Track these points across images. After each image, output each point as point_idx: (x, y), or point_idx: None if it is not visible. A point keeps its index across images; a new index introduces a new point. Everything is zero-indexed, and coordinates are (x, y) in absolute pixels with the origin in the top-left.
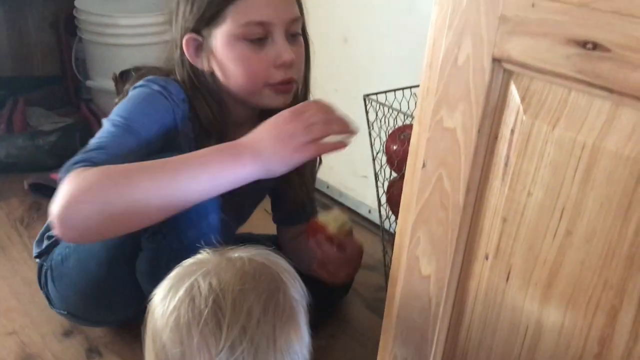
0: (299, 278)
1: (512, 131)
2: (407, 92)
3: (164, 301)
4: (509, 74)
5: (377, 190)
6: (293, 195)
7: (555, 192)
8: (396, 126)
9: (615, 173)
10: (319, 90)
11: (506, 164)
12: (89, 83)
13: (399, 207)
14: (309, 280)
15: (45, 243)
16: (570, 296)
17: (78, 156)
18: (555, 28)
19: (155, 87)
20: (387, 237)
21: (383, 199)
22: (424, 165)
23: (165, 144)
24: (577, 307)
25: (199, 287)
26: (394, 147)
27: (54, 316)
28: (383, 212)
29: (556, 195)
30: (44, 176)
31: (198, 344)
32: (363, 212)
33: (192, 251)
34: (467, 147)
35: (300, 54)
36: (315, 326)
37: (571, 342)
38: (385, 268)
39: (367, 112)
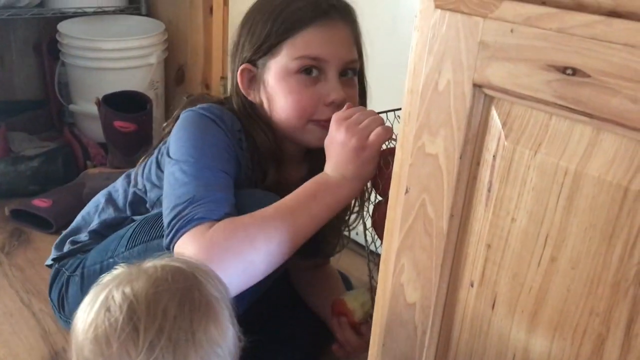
0: (219, 279)
1: (494, 157)
2: (390, 115)
3: (83, 317)
4: (489, 100)
5: (362, 214)
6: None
7: (539, 218)
8: (381, 149)
9: (598, 199)
10: None
11: (489, 190)
12: (72, 107)
13: (384, 230)
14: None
15: (68, 247)
16: (556, 324)
17: (186, 213)
18: (535, 53)
19: (211, 116)
20: (374, 260)
21: (368, 223)
22: (407, 191)
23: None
24: (564, 335)
25: (112, 297)
26: (379, 171)
27: (35, 346)
28: (369, 236)
29: (540, 221)
30: (25, 202)
31: (118, 351)
32: (350, 234)
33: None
34: (450, 173)
35: (353, 97)
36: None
37: None
38: (372, 293)
39: None
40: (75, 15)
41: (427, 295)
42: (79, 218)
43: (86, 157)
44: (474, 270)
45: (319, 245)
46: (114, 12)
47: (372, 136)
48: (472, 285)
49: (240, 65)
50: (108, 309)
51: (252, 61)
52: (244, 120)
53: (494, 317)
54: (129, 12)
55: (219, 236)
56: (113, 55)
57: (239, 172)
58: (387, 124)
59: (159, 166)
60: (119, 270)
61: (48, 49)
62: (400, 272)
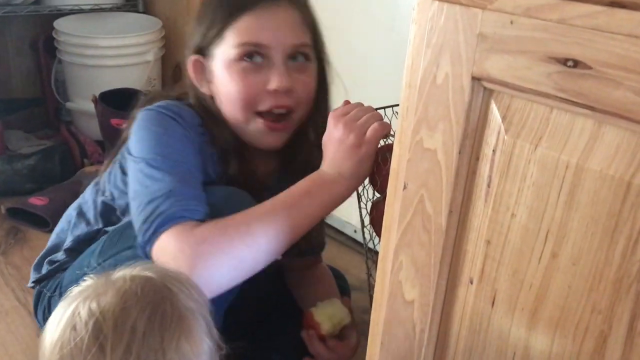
0: (195, 286)
1: (494, 151)
2: (388, 111)
3: (50, 334)
4: (489, 93)
5: (360, 211)
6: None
7: (540, 213)
8: (378, 145)
9: (600, 194)
10: None
11: (489, 185)
12: (69, 105)
13: (382, 228)
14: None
15: (46, 268)
16: (557, 321)
17: (164, 208)
18: (535, 45)
19: (169, 113)
20: (372, 258)
21: (366, 220)
22: (405, 187)
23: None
24: (565, 332)
25: (79, 313)
26: (376, 167)
27: (31, 345)
28: (367, 234)
29: (540, 217)
30: (21, 201)
31: None
32: (348, 232)
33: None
34: (448, 168)
35: (304, 83)
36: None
37: None
38: (370, 291)
39: None
40: (71, 12)
41: (426, 292)
42: (53, 236)
43: (83, 155)
44: (473, 267)
45: (306, 243)
46: (110, 10)
47: (369, 132)
48: (471, 282)
49: (190, 56)
50: (74, 327)
51: (202, 51)
52: (202, 114)
53: (493, 314)
54: (125, 9)
55: (209, 233)
56: (110, 53)
57: (206, 167)
58: (386, 120)
59: (123, 171)
60: (87, 282)
61: (44, 46)
62: (398, 269)
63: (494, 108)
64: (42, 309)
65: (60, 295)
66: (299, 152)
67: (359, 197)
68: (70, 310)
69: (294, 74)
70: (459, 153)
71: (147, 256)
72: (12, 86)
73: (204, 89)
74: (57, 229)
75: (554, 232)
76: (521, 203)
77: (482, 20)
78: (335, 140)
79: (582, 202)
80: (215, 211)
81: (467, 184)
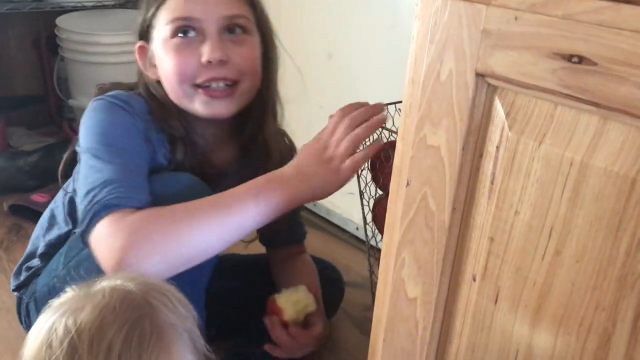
0: (180, 298)
1: (498, 148)
2: (391, 108)
3: (28, 349)
4: (493, 89)
5: (363, 209)
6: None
7: (543, 210)
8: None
9: (604, 190)
10: (303, 106)
11: (492, 182)
12: (71, 102)
13: (384, 225)
14: None
15: (24, 275)
16: (561, 318)
17: (100, 197)
18: (540, 41)
19: (117, 102)
20: (374, 255)
21: (369, 218)
22: (408, 184)
23: (151, 153)
24: (569, 329)
25: (55, 329)
26: (379, 164)
27: None
28: (369, 231)
29: (544, 214)
30: (24, 198)
31: None
32: (351, 229)
33: None
34: (452, 165)
35: (242, 55)
36: None
37: None
38: (372, 288)
39: None
40: (74, 9)
41: (429, 289)
42: (30, 243)
43: None
44: (476, 264)
45: (283, 232)
46: (113, 6)
47: (348, 162)
48: (474, 280)
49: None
50: (50, 345)
51: (144, 37)
52: (150, 101)
53: (496, 311)
54: (128, 6)
55: (141, 223)
56: (112, 50)
57: (156, 155)
58: (388, 117)
59: None
60: (67, 294)
61: (47, 43)
62: (401, 267)
63: (497, 104)
64: (23, 316)
65: (35, 301)
66: (257, 137)
67: (361, 194)
68: (47, 326)
69: (230, 45)
70: (463, 150)
71: (88, 246)
72: (15, 83)
73: (150, 74)
74: (32, 236)
75: (558, 229)
76: (525, 200)
77: (486, 16)
78: (318, 154)
79: (587, 199)
80: (163, 199)
81: (471, 180)
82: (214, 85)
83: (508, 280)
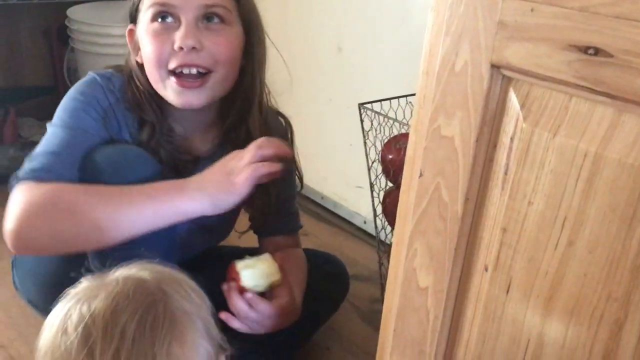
0: (193, 287)
1: (512, 139)
2: (402, 100)
3: (44, 336)
4: (508, 81)
5: (373, 201)
6: (260, 205)
7: (557, 201)
8: (391, 135)
9: (618, 182)
10: (312, 100)
11: (506, 173)
12: None
13: (394, 217)
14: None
15: None
16: (572, 309)
17: (28, 164)
18: (556, 33)
19: (96, 77)
20: (383, 248)
21: (379, 210)
22: (421, 175)
23: (110, 130)
24: (580, 320)
25: (70, 316)
26: (390, 157)
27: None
28: (379, 223)
29: (557, 205)
30: None
31: None
32: (358, 222)
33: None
34: (466, 156)
35: (217, 43)
36: (306, 340)
37: (574, 356)
38: (381, 280)
39: (362, 121)
40: (84, 0)
41: (440, 279)
42: None
43: None
44: (488, 254)
45: (272, 221)
46: None
47: (244, 173)
48: (486, 270)
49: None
50: (65, 331)
51: (134, 20)
52: (129, 85)
53: (508, 301)
54: None
55: (41, 197)
56: (123, 41)
57: (120, 132)
58: (391, 113)
59: None
60: (82, 284)
61: (57, 34)
62: (413, 257)
63: (512, 96)
64: (12, 274)
65: (15, 257)
66: (240, 127)
67: (371, 186)
68: (62, 314)
69: (206, 33)
70: (477, 141)
71: None
72: (25, 74)
73: (137, 58)
74: None
75: (571, 220)
76: (538, 191)
77: (502, 8)
78: (225, 166)
79: (600, 190)
80: (94, 166)
81: (484, 171)
82: (185, 71)
83: (520, 271)
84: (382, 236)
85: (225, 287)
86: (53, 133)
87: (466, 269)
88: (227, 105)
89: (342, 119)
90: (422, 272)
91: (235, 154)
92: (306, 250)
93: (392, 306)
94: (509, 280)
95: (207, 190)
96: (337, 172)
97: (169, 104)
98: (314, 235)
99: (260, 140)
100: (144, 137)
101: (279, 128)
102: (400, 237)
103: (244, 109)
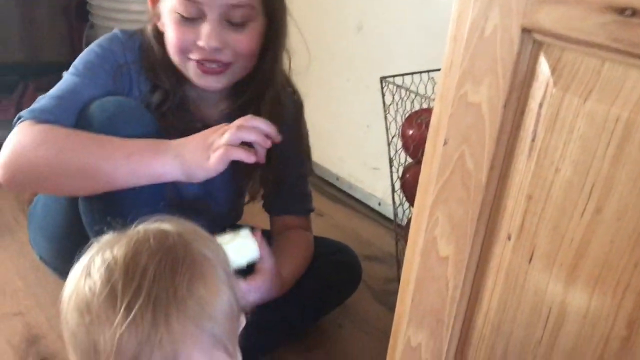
0: (213, 242)
1: (541, 105)
2: (424, 76)
3: (68, 287)
4: (538, 45)
5: (392, 176)
6: (261, 181)
7: (585, 168)
8: (413, 110)
9: None
10: (333, 77)
11: (533, 140)
12: None
13: (413, 193)
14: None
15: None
16: (597, 277)
17: (32, 105)
18: None
19: (118, 33)
20: (400, 226)
21: (397, 185)
22: (445, 143)
23: (120, 86)
24: (605, 288)
25: (93, 261)
26: (410, 132)
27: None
28: (397, 199)
29: (586, 171)
30: None
31: (97, 315)
32: (373, 204)
33: None
34: (492, 123)
35: (240, 41)
36: (309, 325)
37: (597, 325)
38: (397, 256)
39: (383, 95)
40: None
41: (461, 248)
42: None
43: None
44: (512, 222)
45: (279, 200)
46: None
47: (220, 151)
48: (509, 239)
49: None
50: (88, 274)
51: None
52: (147, 52)
53: (530, 270)
54: None
55: (32, 138)
56: (142, 18)
57: (131, 89)
58: (420, 87)
59: None
60: (105, 236)
61: (77, 11)
62: (433, 226)
63: (542, 61)
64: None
65: (30, 213)
66: (255, 103)
67: (390, 161)
68: (86, 261)
69: (230, 32)
70: (504, 107)
71: None
72: (44, 50)
73: (156, 22)
74: None
75: (599, 187)
76: (566, 157)
77: None
78: (205, 138)
79: (631, 156)
80: (89, 118)
81: (511, 138)
82: (207, 64)
83: (544, 239)
84: (400, 213)
85: None
86: (64, 79)
87: (488, 237)
88: (245, 83)
89: (360, 99)
90: (442, 241)
91: (219, 128)
92: (319, 239)
93: (411, 277)
94: (532, 249)
95: (184, 157)
96: (353, 153)
97: (186, 77)
98: (329, 216)
99: (245, 120)
100: (155, 101)
101: (290, 107)
102: (421, 207)
103: (260, 88)
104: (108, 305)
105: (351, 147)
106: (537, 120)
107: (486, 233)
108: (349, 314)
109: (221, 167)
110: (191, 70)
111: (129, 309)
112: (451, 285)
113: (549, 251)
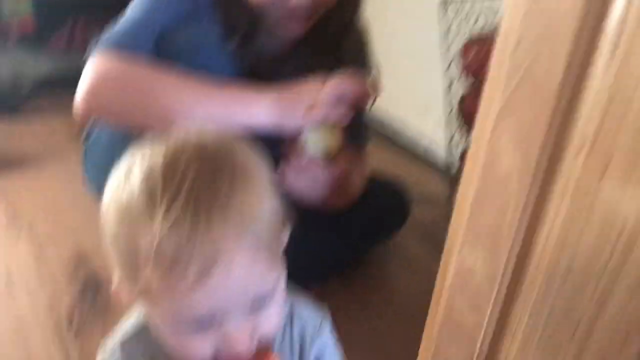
0: (255, 150)
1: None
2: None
3: (108, 191)
4: None
5: (450, 98)
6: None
7: None
8: (472, 33)
9: None
10: (384, 15)
11: (618, 36)
12: None
13: (472, 118)
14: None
15: (89, 124)
16: None
17: (108, 34)
18: None
19: None
20: (453, 179)
21: (451, 119)
22: (517, 45)
23: (188, 26)
24: None
25: (131, 169)
26: (473, 51)
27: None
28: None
29: None
30: None
31: (137, 216)
32: (421, 147)
33: None
34: (571, 21)
35: None
36: (364, 250)
37: None
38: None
39: (446, 10)
40: None
41: (528, 161)
42: None
43: None
44: (585, 132)
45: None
46: None
47: (312, 112)
48: (581, 150)
49: None
50: (128, 177)
51: None
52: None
53: (605, 181)
54: None
55: (110, 72)
56: None
57: (199, 26)
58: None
59: None
60: (144, 144)
61: None
62: (497, 140)
63: None
64: (83, 164)
65: (88, 149)
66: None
67: (450, 85)
68: (127, 165)
69: None
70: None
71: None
72: None
73: None
74: None
75: None
76: None
77: None
78: (301, 96)
79: None
80: (175, 52)
81: (592, 36)
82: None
83: (623, 147)
84: (456, 139)
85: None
86: (134, 6)
87: (558, 149)
88: (322, 28)
89: (420, 15)
90: (506, 155)
91: (316, 84)
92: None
93: (469, 194)
94: (607, 161)
95: (279, 111)
96: (402, 96)
97: (265, 22)
98: (375, 158)
99: (343, 84)
100: (230, 44)
101: (359, 42)
102: (484, 120)
103: (337, 35)
104: (147, 209)
105: (401, 89)
106: (624, 18)
107: (555, 145)
108: (392, 254)
109: (314, 125)
110: (274, 12)
111: (168, 211)
112: (512, 203)
113: (627, 161)
